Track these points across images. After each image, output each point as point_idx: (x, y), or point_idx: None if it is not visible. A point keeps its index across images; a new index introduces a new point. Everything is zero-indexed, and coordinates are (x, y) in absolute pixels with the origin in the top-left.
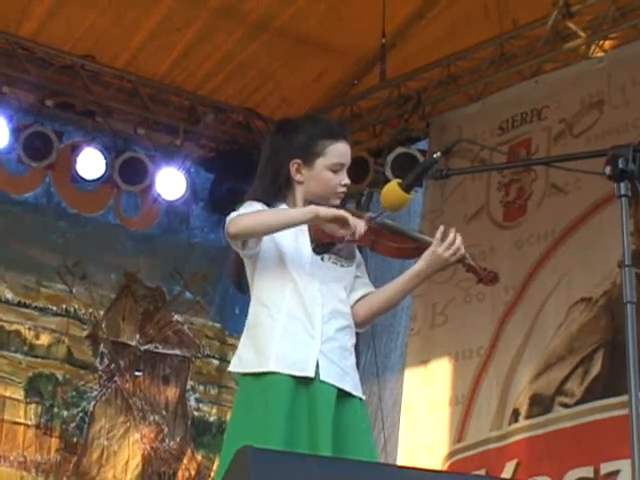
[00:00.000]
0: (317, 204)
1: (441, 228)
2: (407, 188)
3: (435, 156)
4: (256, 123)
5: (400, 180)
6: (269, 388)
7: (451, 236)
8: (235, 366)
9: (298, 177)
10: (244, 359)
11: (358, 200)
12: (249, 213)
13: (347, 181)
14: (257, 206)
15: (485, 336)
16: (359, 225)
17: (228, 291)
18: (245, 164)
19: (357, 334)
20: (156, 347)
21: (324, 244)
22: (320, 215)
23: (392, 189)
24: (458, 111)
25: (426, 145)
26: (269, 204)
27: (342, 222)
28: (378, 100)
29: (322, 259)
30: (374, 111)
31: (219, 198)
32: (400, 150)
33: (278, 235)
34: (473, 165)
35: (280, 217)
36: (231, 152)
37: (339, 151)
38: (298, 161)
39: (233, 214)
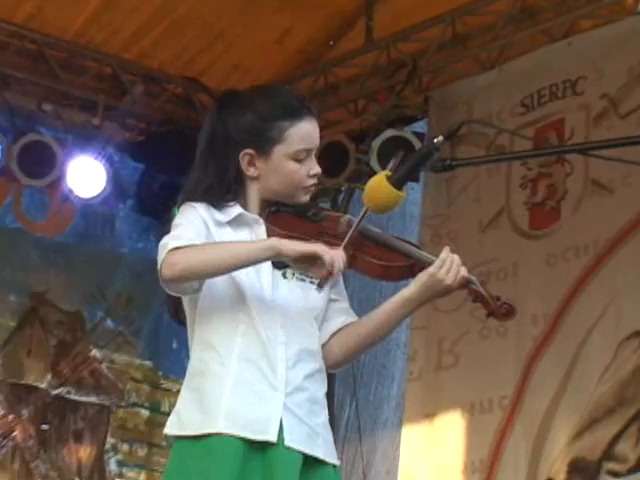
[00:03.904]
0: (278, 204)
1: (447, 248)
2: (399, 183)
3: (436, 141)
4: (199, 97)
5: (389, 172)
6: (211, 451)
7: (449, 257)
8: (172, 427)
9: (251, 171)
10: (185, 418)
11: (333, 198)
12: (189, 249)
13: (317, 170)
14: (197, 214)
15: (509, 382)
16: (337, 259)
17: (162, 318)
18: (184, 150)
19: (334, 377)
20: (68, 392)
21: None
22: (283, 252)
23: (379, 184)
24: (466, 82)
25: (424, 127)
26: (215, 204)
27: (313, 260)
28: (361, 67)
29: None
30: (356, 82)
31: (151, 195)
32: (390, 133)
33: None
34: (488, 154)
35: (231, 255)
36: (166, 135)
37: (303, 133)
38: (250, 151)
39: (166, 243)
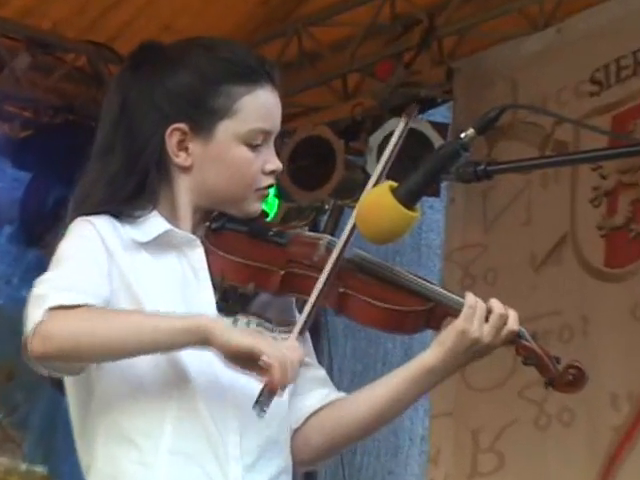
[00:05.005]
0: (224, 217)
1: (470, 294)
2: (409, 198)
3: (465, 136)
4: (111, 71)
5: (395, 183)
6: None
7: (480, 304)
8: None
9: (182, 158)
10: None
11: (312, 221)
12: (78, 316)
13: (276, 165)
14: (94, 235)
15: None
16: (288, 365)
17: (60, 401)
18: (91, 150)
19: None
20: None
21: (238, 293)
22: (213, 340)
23: (380, 200)
24: (508, 48)
25: (447, 114)
26: (120, 213)
27: (251, 361)
28: (352, 27)
29: (236, 325)
30: (344, 48)
31: (40, 218)
32: (395, 124)
33: (145, 291)
34: (542, 155)
35: (136, 338)
36: (64, 128)
37: (261, 106)
38: (182, 126)
39: (45, 295)
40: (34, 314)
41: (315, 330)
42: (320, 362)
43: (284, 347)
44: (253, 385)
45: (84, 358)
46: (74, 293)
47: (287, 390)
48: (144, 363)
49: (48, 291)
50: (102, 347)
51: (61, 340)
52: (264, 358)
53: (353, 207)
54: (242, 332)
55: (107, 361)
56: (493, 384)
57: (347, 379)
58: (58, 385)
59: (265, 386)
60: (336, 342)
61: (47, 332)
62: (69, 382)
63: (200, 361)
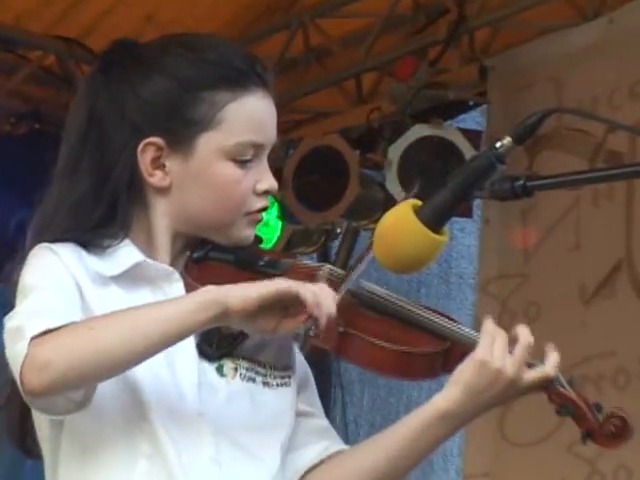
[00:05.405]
0: (206, 245)
1: (488, 322)
2: (435, 219)
3: (500, 146)
4: (83, 70)
5: (419, 202)
6: None
7: (501, 332)
8: None
9: (158, 178)
10: None
11: (323, 245)
12: (67, 333)
13: (270, 184)
14: (60, 265)
15: None
16: (323, 295)
17: (22, 462)
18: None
19: None
20: None
21: (224, 334)
22: (231, 306)
23: (402, 222)
24: (552, 42)
25: (480, 119)
26: (88, 243)
27: (281, 308)
28: (367, 18)
29: (220, 371)
30: (358, 43)
31: (2, 244)
32: (420, 132)
33: None
34: (592, 167)
35: (143, 328)
36: (28, 139)
37: (251, 115)
38: (157, 140)
39: (21, 326)
40: (16, 349)
41: (325, 376)
42: (331, 414)
43: (312, 286)
44: (236, 430)
45: (90, 376)
46: (54, 317)
47: (279, 445)
48: (109, 407)
49: (23, 321)
50: (108, 355)
51: (59, 363)
52: (293, 290)
53: (370, 230)
54: (257, 283)
55: (118, 372)
56: (537, 438)
57: (364, 432)
58: (19, 442)
59: (303, 328)
60: (351, 390)
61: (40, 361)
62: (44, 434)
63: (174, 408)
